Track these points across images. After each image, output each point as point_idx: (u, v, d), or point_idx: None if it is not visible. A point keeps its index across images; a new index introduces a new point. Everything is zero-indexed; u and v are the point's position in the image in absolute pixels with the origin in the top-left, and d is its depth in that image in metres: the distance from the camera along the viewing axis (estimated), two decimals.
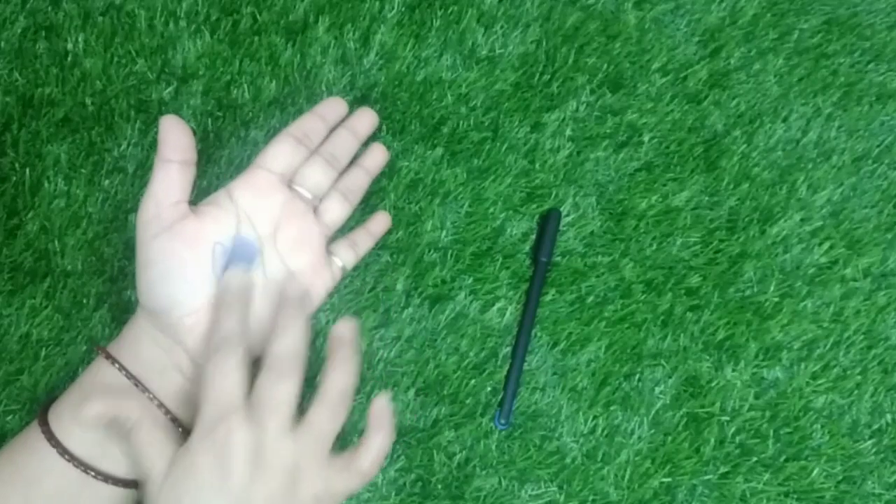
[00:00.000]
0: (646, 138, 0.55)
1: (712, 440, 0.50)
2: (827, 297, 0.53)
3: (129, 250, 0.50)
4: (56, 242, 0.50)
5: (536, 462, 0.50)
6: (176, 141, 0.42)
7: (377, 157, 0.50)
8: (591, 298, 0.52)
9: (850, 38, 0.57)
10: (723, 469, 0.50)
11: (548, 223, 0.52)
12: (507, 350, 0.51)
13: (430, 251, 0.52)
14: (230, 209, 0.44)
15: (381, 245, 0.52)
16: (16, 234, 0.50)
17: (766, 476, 0.50)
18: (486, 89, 0.55)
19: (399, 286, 0.51)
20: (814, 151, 0.55)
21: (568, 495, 0.49)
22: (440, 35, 0.55)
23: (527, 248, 0.53)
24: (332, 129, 0.49)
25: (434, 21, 0.55)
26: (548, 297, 0.52)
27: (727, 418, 0.51)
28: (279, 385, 0.40)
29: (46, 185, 0.51)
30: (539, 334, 0.51)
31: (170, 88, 0.53)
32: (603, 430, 0.50)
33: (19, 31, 0.53)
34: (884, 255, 0.54)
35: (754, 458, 0.50)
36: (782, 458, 0.50)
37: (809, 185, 0.55)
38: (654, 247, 0.53)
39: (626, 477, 0.50)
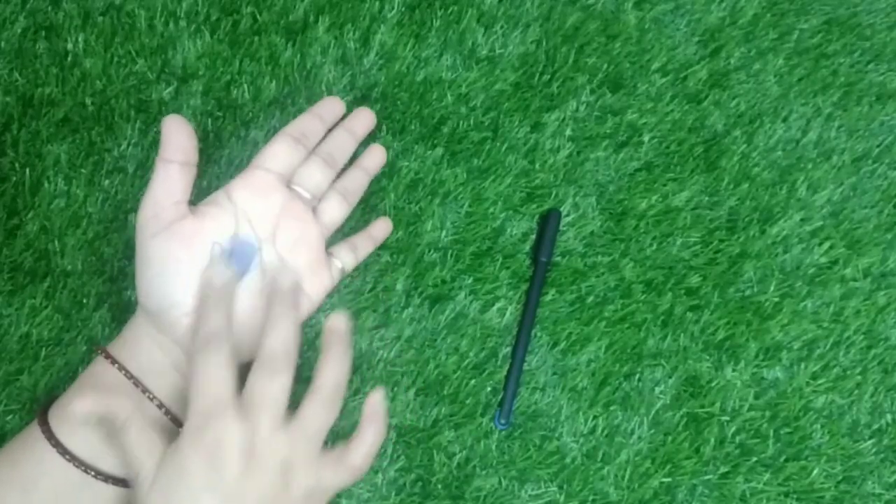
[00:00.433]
0: (646, 138, 0.55)
1: (712, 440, 0.50)
2: (827, 297, 0.53)
3: (129, 250, 0.50)
4: (56, 242, 0.50)
5: (536, 462, 0.50)
6: (178, 142, 0.42)
7: (376, 157, 0.50)
8: (591, 298, 0.52)
9: (850, 38, 0.57)
10: (723, 469, 0.50)
11: (548, 223, 0.52)
12: (507, 350, 0.51)
13: (430, 251, 0.52)
14: (229, 209, 0.44)
15: (382, 245, 0.52)
16: (16, 234, 0.50)
17: (766, 476, 0.50)
18: (486, 89, 0.55)
19: (399, 286, 0.51)
20: (814, 151, 0.55)
21: (568, 495, 0.49)
22: (440, 35, 0.55)
23: (527, 248, 0.53)
24: (331, 129, 0.49)
25: (434, 21, 0.55)
26: (548, 297, 0.52)
27: (727, 418, 0.51)
28: (271, 381, 0.40)
29: (46, 185, 0.51)
30: (539, 334, 0.51)
31: (170, 88, 0.53)
32: (603, 430, 0.50)
33: (19, 31, 0.53)
34: (884, 255, 0.54)
35: (754, 458, 0.50)
36: (782, 458, 0.50)
37: (809, 185, 0.55)
38: (654, 247, 0.53)
39: (626, 477, 0.50)
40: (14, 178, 0.51)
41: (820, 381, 0.51)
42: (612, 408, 0.51)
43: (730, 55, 0.56)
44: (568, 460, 0.50)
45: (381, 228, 0.50)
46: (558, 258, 0.53)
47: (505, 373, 0.51)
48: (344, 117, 0.50)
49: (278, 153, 0.46)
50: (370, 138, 0.52)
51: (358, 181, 0.49)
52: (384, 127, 0.54)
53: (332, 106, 0.49)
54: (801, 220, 0.54)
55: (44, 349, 0.49)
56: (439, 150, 0.53)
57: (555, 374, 0.51)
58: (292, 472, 0.39)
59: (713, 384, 0.51)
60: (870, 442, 0.51)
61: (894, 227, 0.54)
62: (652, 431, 0.50)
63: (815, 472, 0.50)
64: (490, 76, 0.55)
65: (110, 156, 0.52)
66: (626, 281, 0.52)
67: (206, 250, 0.42)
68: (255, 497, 0.38)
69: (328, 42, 0.54)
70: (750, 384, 0.51)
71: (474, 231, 0.53)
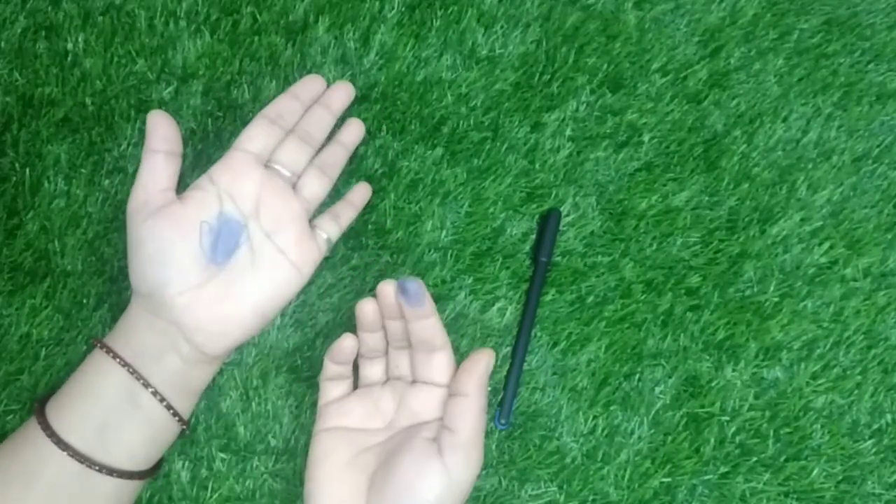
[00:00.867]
0: (646, 138, 0.55)
1: (712, 440, 0.50)
2: (827, 297, 0.53)
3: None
4: (56, 242, 0.50)
5: (536, 462, 0.50)
6: (162, 132, 0.44)
7: (353, 131, 0.51)
8: (591, 298, 0.52)
9: (850, 38, 0.57)
10: (723, 469, 0.50)
11: (548, 223, 0.52)
12: (507, 350, 0.51)
13: (430, 251, 0.52)
14: (212, 191, 0.45)
15: (381, 245, 0.52)
16: (16, 234, 0.50)
17: (766, 476, 0.50)
18: (486, 89, 0.55)
19: None
20: (814, 151, 0.55)
21: (568, 495, 0.49)
22: (440, 35, 0.55)
23: (527, 248, 0.53)
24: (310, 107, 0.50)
25: (434, 21, 0.55)
26: (548, 297, 0.52)
27: (727, 418, 0.51)
28: None
29: (46, 185, 0.51)
30: (539, 334, 0.51)
31: (170, 88, 0.53)
32: (603, 430, 0.50)
33: (19, 31, 0.53)
34: (884, 255, 0.54)
35: (754, 458, 0.50)
36: (782, 458, 0.50)
37: (809, 185, 0.55)
38: (654, 247, 0.53)
39: (626, 477, 0.50)
40: (14, 178, 0.51)
41: (820, 381, 0.51)
42: (612, 408, 0.51)
43: (730, 55, 0.56)
44: (568, 460, 0.50)
45: (360, 193, 0.51)
46: (558, 258, 0.53)
47: (505, 373, 0.51)
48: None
49: (255, 135, 0.47)
50: (369, 137, 0.52)
51: (336, 155, 0.50)
52: (384, 127, 0.54)
53: (310, 85, 0.49)
54: (801, 220, 0.54)
55: (44, 349, 0.49)
56: (439, 150, 0.54)
57: (555, 374, 0.51)
58: None
59: (713, 384, 0.51)
60: (870, 442, 0.51)
61: (894, 227, 0.54)
62: (652, 431, 0.50)
63: (815, 472, 0.50)
64: (490, 76, 0.55)
65: (110, 156, 0.52)
66: (626, 281, 0.52)
67: (194, 230, 0.44)
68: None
69: (328, 42, 0.54)
70: (750, 384, 0.51)
71: (474, 231, 0.53)
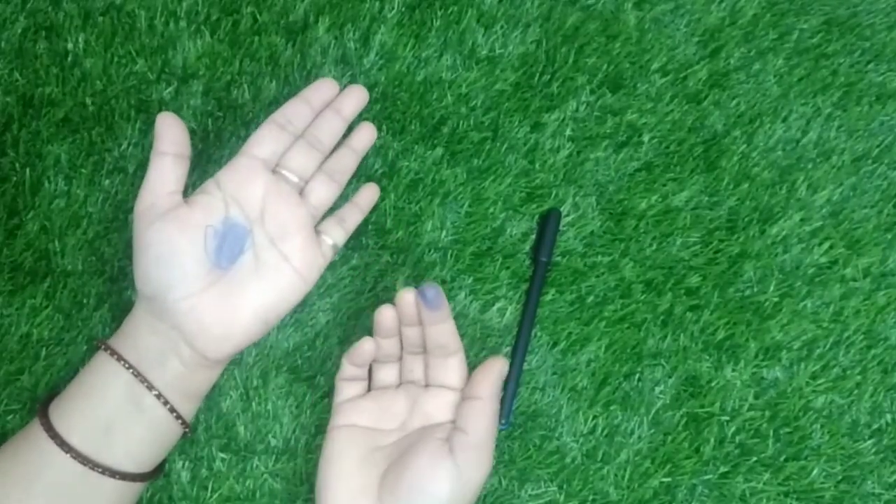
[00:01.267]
0: (646, 138, 0.55)
1: (712, 440, 0.50)
2: (827, 297, 0.53)
3: (129, 250, 0.50)
4: (56, 242, 0.50)
5: (536, 462, 0.50)
6: (171, 135, 0.44)
7: (364, 135, 0.50)
8: (591, 298, 0.52)
9: (850, 38, 0.57)
10: (723, 469, 0.50)
11: (548, 223, 0.52)
12: (507, 350, 0.51)
13: (430, 251, 0.52)
14: (218, 196, 0.45)
15: (381, 245, 0.52)
16: (16, 234, 0.50)
17: (766, 476, 0.50)
18: (486, 89, 0.55)
19: (399, 286, 0.51)
20: (814, 151, 0.55)
21: (568, 495, 0.49)
22: (440, 35, 0.55)
23: (527, 248, 0.53)
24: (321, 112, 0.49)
25: (434, 21, 0.55)
26: (548, 297, 0.52)
27: (727, 418, 0.51)
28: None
29: (46, 185, 0.51)
30: (539, 334, 0.51)
31: (170, 88, 0.53)
32: (603, 430, 0.50)
33: (19, 31, 0.53)
34: (884, 255, 0.54)
35: (754, 458, 0.50)
36: (782, 458, 0.50)
37: (809, 185, 0.55)
38: (654, 247, 0.53)
39: (626, 477, 0.50)
40: (14, 178, 0.51)
41: (820, 381, 0.51)
42: (612, 408, 0.51)
43: (730, 55, 0.56)
44: (568, 460, 0.50)
45: (367, 196, 0.50)
46: (558, 258, 0.53)
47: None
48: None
49: (263, 140, 0.46)
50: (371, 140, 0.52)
51: (346, 161, 0.49)
52: (384, 127, 0.54)
53: (322, 89, 0.48)
54: (801, 220, 0.54)
55: (44, 349, 0.49)
56: (439, 150, 0.54)
57: (555, 373, 0.51)
58: None
59: (713, 384, 0.51)
60: (869, 442, 0.51)
61: (894, 227, 0.54)
62: (652, 431, 0.50)
63: (814, 471, 0.50)
64: (490, 76, 0.55)
65: (110, 156, 0.52)
66: (626, 281, 0.52)
67: (200, 234, 0.43)
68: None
69: (328, 42, 0.54)
70: (750, 384, 0.51)
71: (474, 231, 0.53)
